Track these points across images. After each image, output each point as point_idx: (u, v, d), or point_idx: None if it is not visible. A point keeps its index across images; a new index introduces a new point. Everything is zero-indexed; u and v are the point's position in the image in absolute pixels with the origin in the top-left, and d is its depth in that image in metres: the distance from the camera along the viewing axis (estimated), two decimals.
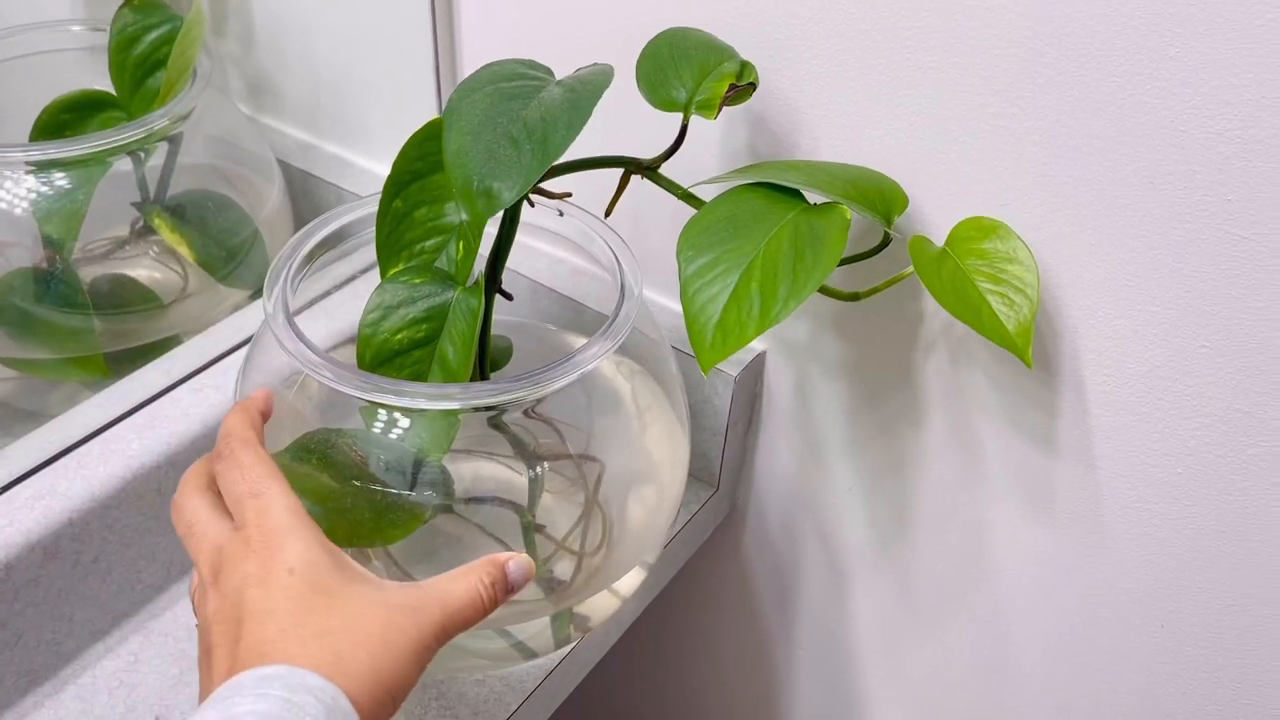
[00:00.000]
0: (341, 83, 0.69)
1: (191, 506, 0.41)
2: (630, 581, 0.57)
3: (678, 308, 0.44)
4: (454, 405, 0.44)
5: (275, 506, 0.39)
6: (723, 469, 0.63)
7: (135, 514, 0.52)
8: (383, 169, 0.70)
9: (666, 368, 0.54)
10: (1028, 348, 0.43)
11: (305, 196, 0.73)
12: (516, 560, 0.42)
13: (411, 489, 0.49)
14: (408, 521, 0.49)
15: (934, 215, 0.49)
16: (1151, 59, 0.40)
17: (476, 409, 0.47)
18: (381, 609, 0.37)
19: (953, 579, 0.61)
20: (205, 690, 0.37)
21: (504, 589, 0.41)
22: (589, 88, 0.42)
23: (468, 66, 0.63)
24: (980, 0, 0.43)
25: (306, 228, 0.50)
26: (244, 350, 0.58)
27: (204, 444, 0.54)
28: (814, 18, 0.48)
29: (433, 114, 0.64)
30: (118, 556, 0.52)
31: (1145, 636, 0.54)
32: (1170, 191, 0.43)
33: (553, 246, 0.60)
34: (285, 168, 0.72)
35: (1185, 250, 0.43)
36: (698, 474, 0.65)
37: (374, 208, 0.52)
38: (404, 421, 0.47)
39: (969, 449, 0.55)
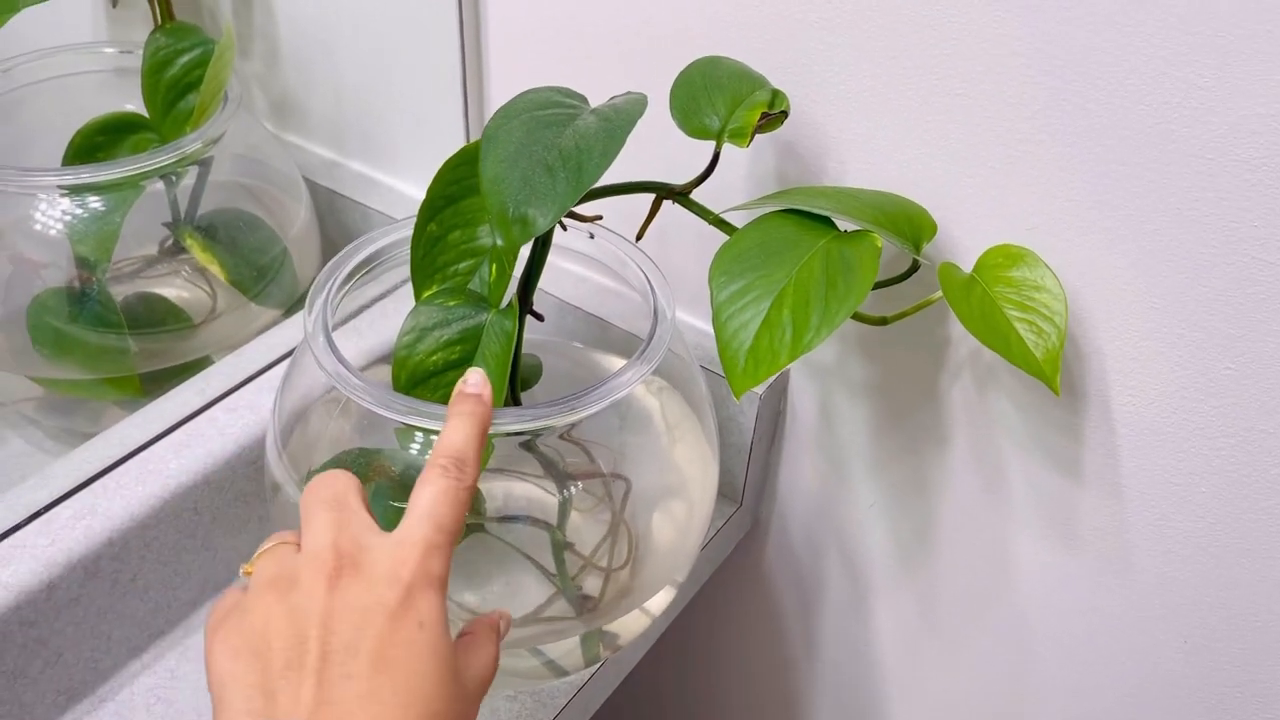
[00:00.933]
0: (368, 102, 0.69)
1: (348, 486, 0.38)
2: (659, 600, 0.58)
3: (704, 326, 0.44)
4: (496, 430, 0.45)
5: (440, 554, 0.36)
6: (746, 485, 0.64)
7: (173, 532, 0.53)
8: (409, 188, 0.71)
9: (696, 388, 0.55)
10: (1056, 376, 0.44)
11: (331, 215, 0.74)
12: (505, 621, 0.42)
13: None
14: None
15: (962, 240, 0.50)
16: (1180, 88, 0.41)
17: (510, 434, 0.48)
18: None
19: (974, 597, 0.61)
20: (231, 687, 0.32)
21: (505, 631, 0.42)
22: (623, 116, 0.43)
23: (495, 89, 0.63)
24: (1008, 29, 0.44)
25: (347, 249, 0.50)
26: (277, 369, 0.59)
27: (239, 463, 0.54)
28: (843, 44, 0.49)
29: (459, 135, 0.65)
30: (155, 575, 0.53)
31: (1169, 652, 0.55)
32: (1197, 218, 0.43)
33: (578, 265, 0.61)
34: (312, 186, 0.73)
35: (1211, 275, 0.44)
36: (722, 489, 0.65)
37: (408, 231, 0.53)
38: None
39: (992, 471, 0.56)
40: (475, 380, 0.42)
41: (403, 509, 0.48)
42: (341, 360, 0.45)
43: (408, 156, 0.70)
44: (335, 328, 0.60)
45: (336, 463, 0.49)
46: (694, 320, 0.62)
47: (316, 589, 0.34)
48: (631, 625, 0.57)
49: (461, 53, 0.61)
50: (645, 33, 0.55)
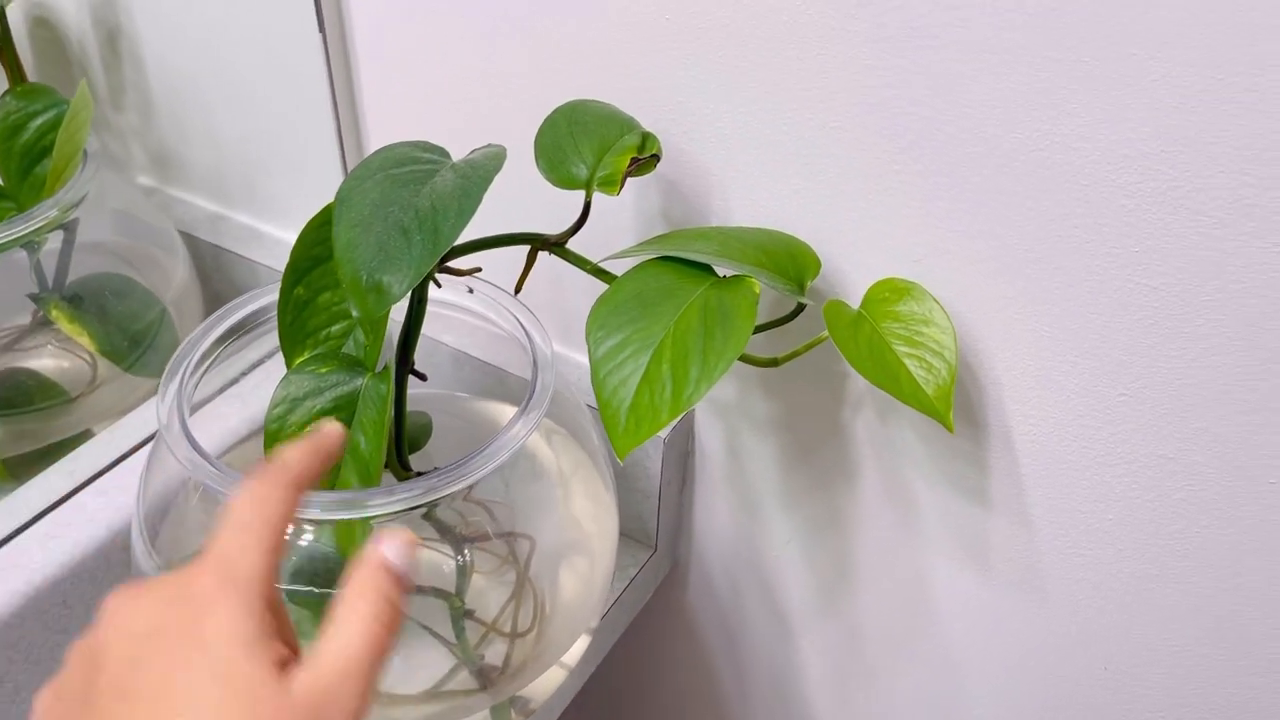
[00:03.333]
0: (247, 154, 0.67)
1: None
2: (574, 651, 0.55)
3: None
4: (369, 514, 0.43)
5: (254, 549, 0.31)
6: (659, 529, 0.62)
7: (41, 629, 0.49)
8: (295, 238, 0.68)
9: (588, 433, 0.53)
10: (948, 412, 0.42)
11: (219, 271, 0.71)
12: (393, 546, 0.32)
13: (328, 587, 0.47)
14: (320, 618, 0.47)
15: (850, 274, 0.49)
16: (1050, 115, 0.40)
17: (395, 514, 0.46)
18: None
19: (898, 628, 0.60)
20: None
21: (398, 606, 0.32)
22: (480, 172, 0.41)
23: (373, 137, 0.61)
24: (877, 60, 0.42)
25: (205, 323, 0.48)
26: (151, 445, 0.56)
27: (114, 549, 0.51)
28: (715, 82, 0.47)
29: (337, 185, 0.62)
30: (25, 676, 0.49)
31: (1089, 678, 0.54)
32: (1079, 244, 0.42)
33: (469, 314, 0.59)
34: (195, 242, 0.70)
35: (1098, 301, 0.43)
36: (635, 534, 0.63)
37: (273, 296, 0.50)
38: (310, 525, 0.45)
39: (903, 502, 0.54)
40: (327, 430, 0.36)
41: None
42: (197, 449, 0.42)
43: (291, 208, 0.67)
44: (215, 395, 0.57)
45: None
46: None
47: (107, 620, 0.30)
48: (544, 685, 0.55)
49: (333, 99, 0.59)
50: (520, 77, 0.53)
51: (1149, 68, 0.37)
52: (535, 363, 0.48)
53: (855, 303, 0.46)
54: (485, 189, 0.40)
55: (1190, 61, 0.36)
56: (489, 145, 0.44)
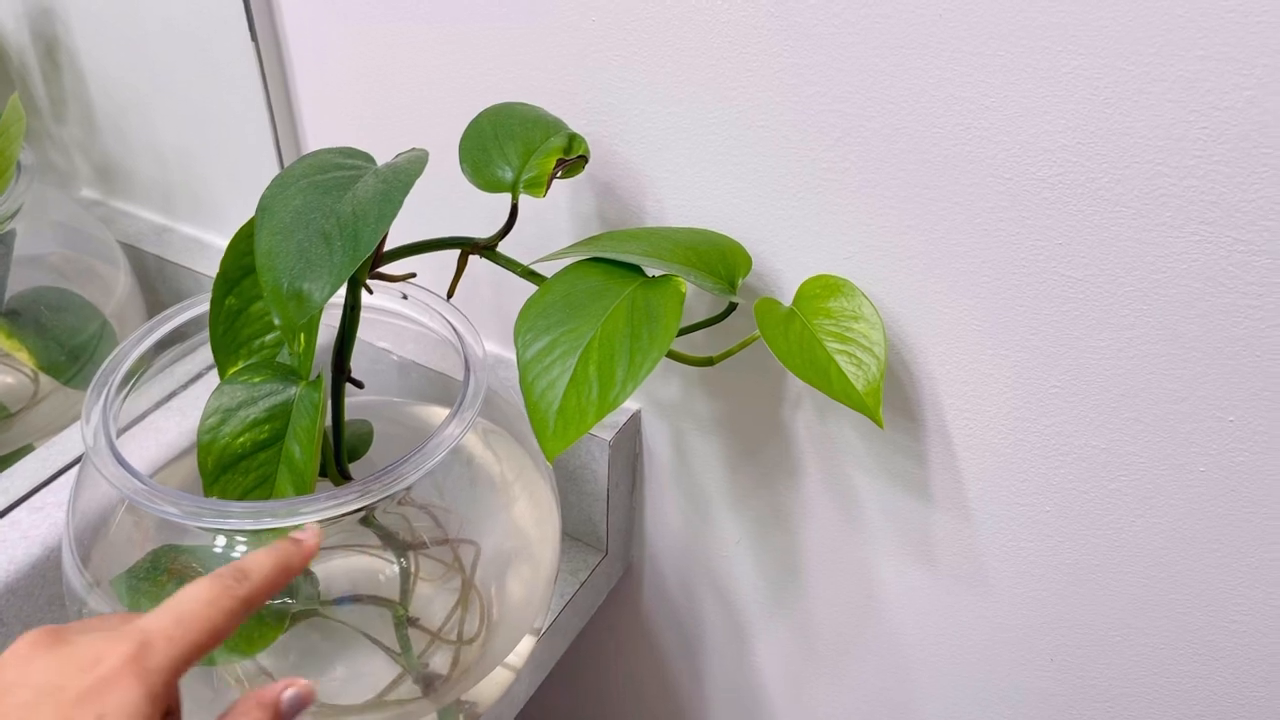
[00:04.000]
0: (189, 165, 0.66)
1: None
2: (519, 653, 0.55)
3: None
4: (301, 520, 0.42)
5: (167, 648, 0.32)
6: (609, 531, 0.62)
7: None
8: None
9: (527, 436, 0.52)
10: (878, 408, 0.42)
11: (164, 283, 0.70)
12: (292, 691, 0.35)
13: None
14: (266, 633, 0.47)
15: (785, 272, 0.49)
16: (970, 109, 0.40)
17: (334, 520, 0.45)
18: None
19: (848, 622, 0.60)
20: None
21: None
22: (401, 177, 0.41)
23: (312, 144, 0.61)
24: (798, 58, 0.42)
25: (131, 337, 0.47)
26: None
27: (49, 567, 0.51)
28: (641, 82, 0.47)
29: None
30: None
31: (1036, 670, 0.54)
32: (1004, 237, 0.42)
33: (405, 322, 0.58)
34: (140, 254, 0.69)
35: (1026, 293, 0.43)
36: (585, 539, 0.63)
37: (206, 306, 0.50)
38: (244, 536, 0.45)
39: (846, 498, 0.54)
40: (305, 531, 0.39)
41: None
42: (125, 465, 0.42)
43: (235, 217, 0.66)
44: (150, 411, 0.57)
45: (144, 563, 0.46)
46: None
47: (13, 660, 0.31)
48: (490, 689, 0.55)
49: (268, 107, 0.58)
50: (450, 81, 0.52)
51: (1062, 61, 0.37)
52: (466, 363, 0.47)
53: (788, 300, 0.46)
54: (406, 193, 0.40)
55: (1100, 53, 0.36)
56: (412, 150, 0.44)
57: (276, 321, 0.39)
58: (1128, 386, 0.43)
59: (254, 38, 0.56)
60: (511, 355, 0.61)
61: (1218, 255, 0.38)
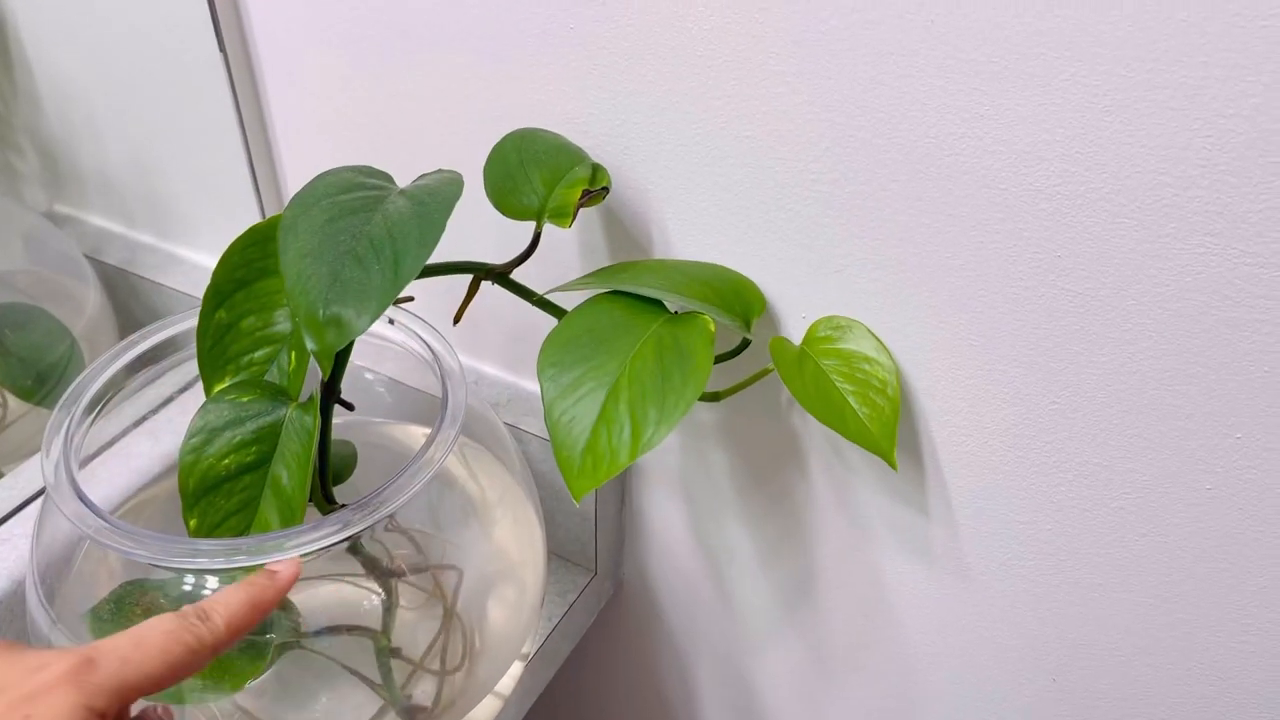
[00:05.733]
0: (159, 179, 0.64)
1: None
2: (507, 680, 0.54)
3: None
4: (286, 556, 0.40)
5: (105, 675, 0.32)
6: (598, 550, 0.60)
7: None
8: (214, 263, 0.66)
9: (511, 458, 0.51)
10: (892, 450, 0.42)
11: (135, 299, 0.68)
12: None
13: (254, 633, 0.45)
14: (245, 669, 0.45)
15: (771, 284, 0.47)
16: (962, 118, 0.38)
17: (319, 551, 0.43)
18: None
19: (854, 640, 0.58)
20: None
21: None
22: (439, 199, 0.38)
23: (285, 159, 0.59)
24: (787, 65, 0.41)
25: (95, 363, 0.45)
26: None
27: (13, 600, 0.49)
28: (628, 91, 0.45)
29: (252, 207, 0.60)
30: None
31: (1038, 690, 0.52)
32: (1000, 250, 0.41)
33: (378, 340, 0.57)
34: (102, 266, 0.67)
35: (1023, 308, 0.41)
36: (573, 558, 0.61)
37: (190, 322, 0.48)
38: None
39: (847, 513, 0.53)
40: (280, 565, 0.38)
41: None
42: (86, 503, 0.40)
43: (205, 230, 0.65)
44: (121, 435, 0.55)
45: (109, 601, 0.44)
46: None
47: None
48: (480, 716, 0.53)
49: (239, 120, 0.56)
50: (452, 105, 0.50)
51: (1059, 68, 0.36)
52: (444, 382, 0.46)
53: (786, 324, 0.45)
54: (448, 215, 0.38)
55: (1098, 60, 0.35)
56: (439, 170, 0.42)
57: (311, 347, 0.37)
58: (1130, 403, 0.41)
59: (222, 48, 0.54)
60: (504, 375, 0.59)
61: (1224, 268, 0.37)
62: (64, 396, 0.44)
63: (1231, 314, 0.37)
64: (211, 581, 0.43)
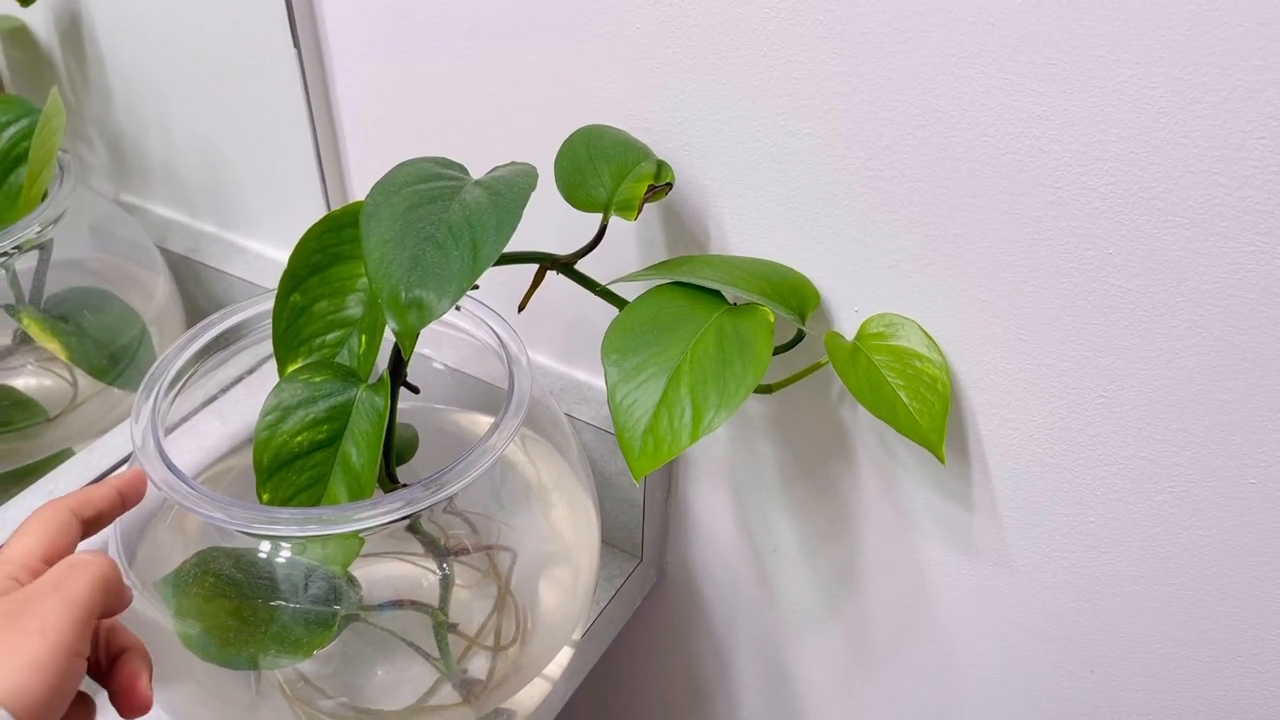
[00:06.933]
0: (227, 171, 0.66)
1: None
2: (557, 663, 0.55)
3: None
4: (350, 528, 0.42)
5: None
6: (645, 538, 0.62)
7: None
8: (276, 253, 0.68)
9: (569, 444, 0.52)
10: (940, 444, 0.43)
11: (199, 286, 0.70)
12: None
13: (315, 603, 0.46)
14: (314, 638, 0.47)
15: (824, 279, 0.48)
16: (1019, 118, 0.40)
17: (383, 526, 0.45)
18: None
19: (895, 631, 0.60)
20: None
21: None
22: (515, 190, 0.40)
23: (351, 153, 0.61)
24: (848, 65, 0.42)
25: (179, 340, 0.47)
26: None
27: None
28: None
29: (316, 199, 0.62)
30: None
31: (1077, 680, 0.54)
32: (1053, 247, 0.42)
33: (447, 329, 0.58)
34: (174, 257, 0.69)
35: (1073, 303, 0.43)
36: (621, 545, 0.63)
37: (258, 308, 0.50)
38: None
39: (893, 503, 0.54)
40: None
41: (264, 607, 0.45)
42: (173, 469, 0.42)
43: (268, 220, 0.67)
44: (193, 413, 0.57)
45: (194, 564, 0.46)
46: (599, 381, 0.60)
47: None
48: (529, 698, 0.55)
49: (309, 114, 0.59)
50: (518, 99, 0.52)
51: (1115, 70, 0.37)
52: (511, 372, 0.47)
53: (837, 316, 0.46)
54: (524, 205, 0.40)
55: (1156, 62, 0.36)
56: (513, 163, 0.44)
57: (394, 329, 0.39)
58: (1176, 398, 0.43)
59: (296, 44, 0.56)
60: (557, 366, 0.61)
61: (1273, 266, 0.38)
62: (149, 374, 0.46)
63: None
64: (285, 549, 0.45)
